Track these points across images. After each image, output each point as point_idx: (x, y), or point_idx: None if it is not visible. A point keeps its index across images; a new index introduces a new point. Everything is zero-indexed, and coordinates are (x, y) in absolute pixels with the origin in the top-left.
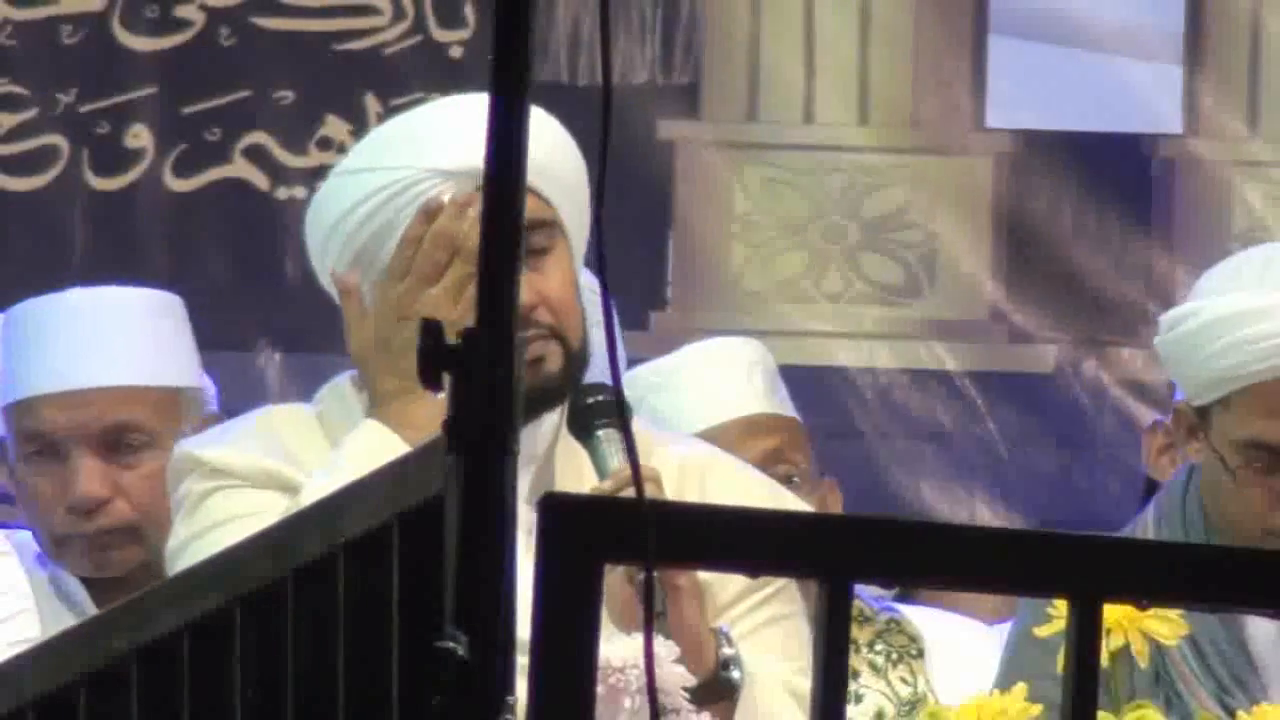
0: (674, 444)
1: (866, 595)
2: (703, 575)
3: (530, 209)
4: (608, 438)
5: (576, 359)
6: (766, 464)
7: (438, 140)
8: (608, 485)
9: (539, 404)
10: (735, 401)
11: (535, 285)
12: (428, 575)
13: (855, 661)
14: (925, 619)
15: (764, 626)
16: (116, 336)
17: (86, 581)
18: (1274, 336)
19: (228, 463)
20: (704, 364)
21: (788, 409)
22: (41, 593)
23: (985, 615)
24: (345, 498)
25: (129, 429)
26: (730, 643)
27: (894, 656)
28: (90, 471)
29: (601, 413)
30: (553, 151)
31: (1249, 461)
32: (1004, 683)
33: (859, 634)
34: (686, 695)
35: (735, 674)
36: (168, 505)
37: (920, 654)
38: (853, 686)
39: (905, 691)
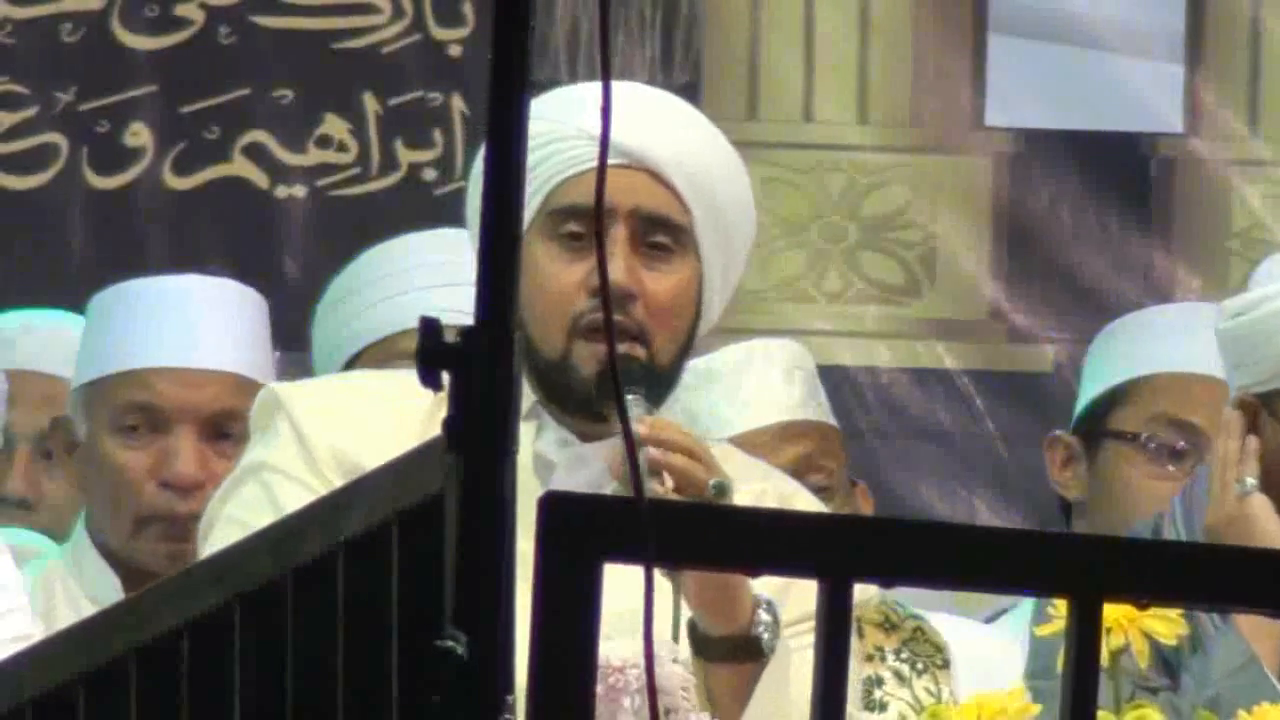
0: (755, 466)
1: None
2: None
3: (660, 203)
4: (635, 403)
5: (659, 376)
6: (800, 470)
7: (597, 108)
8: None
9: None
10: (773, 407)
11: (642, 280)
12: (428, 575)
13: (880, 669)
14: (949, 627)
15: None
16: (234, 324)
17: (123, 579)
18: None
19: (306, 422)
20: (743, 366)
21: (825, 415)
22: (67, 584)
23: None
24: (345, 497)
25: (235, 417)
26: (772, 612)
27: (919, 666)
28: (194, 451)
29: (628, 380)
30: (710, 164)
31: None
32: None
33: (885, 641)
34: (686, 695)
35: (766, 636)
36: None
37: (946, 664)
38: (876, 694)
39: (929, 703)
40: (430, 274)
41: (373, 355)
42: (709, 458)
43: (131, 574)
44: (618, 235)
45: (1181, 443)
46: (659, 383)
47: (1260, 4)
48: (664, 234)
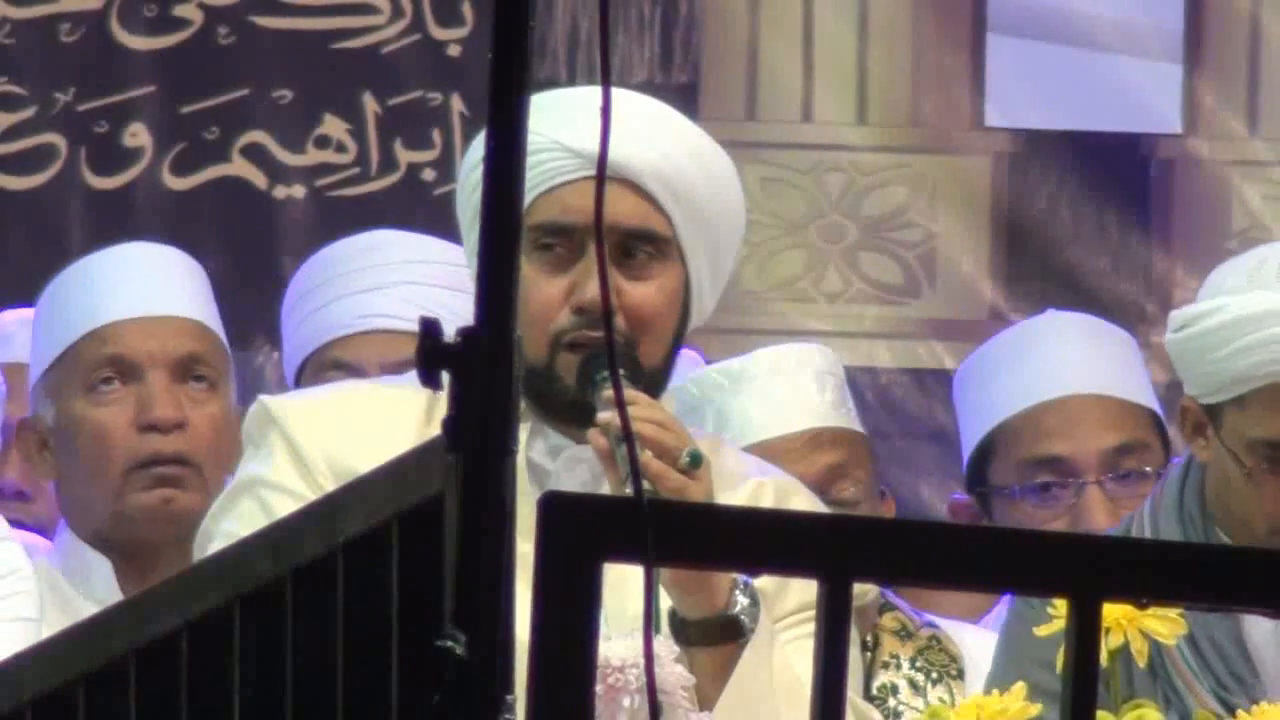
0: (750, 460)
1: (907, 606)
2: (758, 586)
3: (639, 215)
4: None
5: (646, 375)
6: (830, 479)
7: (574, 119)
8: (605, 416)
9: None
10: (804, 413)
11: (623, 292)
12: (427, 575)
13: (895, 677)
14: (965, 637)
15: (811, 638)
16: (185, 278)
17: (115, 563)
18: None
19: (299, 434)
20: (775, 370)
21: (854, 422)
22: (58, 586)
23: (963, 614)
24: (345, 497)
25: (201, 360)
26: (749, 593)
27: (934, 676)
28: (169, 393)
29: (604, 365)
30: (690, 170)
31: (1264, 460)
32: (997, 678)
33: (901, 649)
34: (686, 695)
35: (744, 618)
36: (225, 456)
37: (960, 674)
38: (891, 703)
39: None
40: (352, 280)
41: (312, 367)
42: (681, 429)
43: (123, 552)
44: (596, 252)
45: (1051, 478)
46: (647, 382)
47: (1259, 4)
48: (645, 245)
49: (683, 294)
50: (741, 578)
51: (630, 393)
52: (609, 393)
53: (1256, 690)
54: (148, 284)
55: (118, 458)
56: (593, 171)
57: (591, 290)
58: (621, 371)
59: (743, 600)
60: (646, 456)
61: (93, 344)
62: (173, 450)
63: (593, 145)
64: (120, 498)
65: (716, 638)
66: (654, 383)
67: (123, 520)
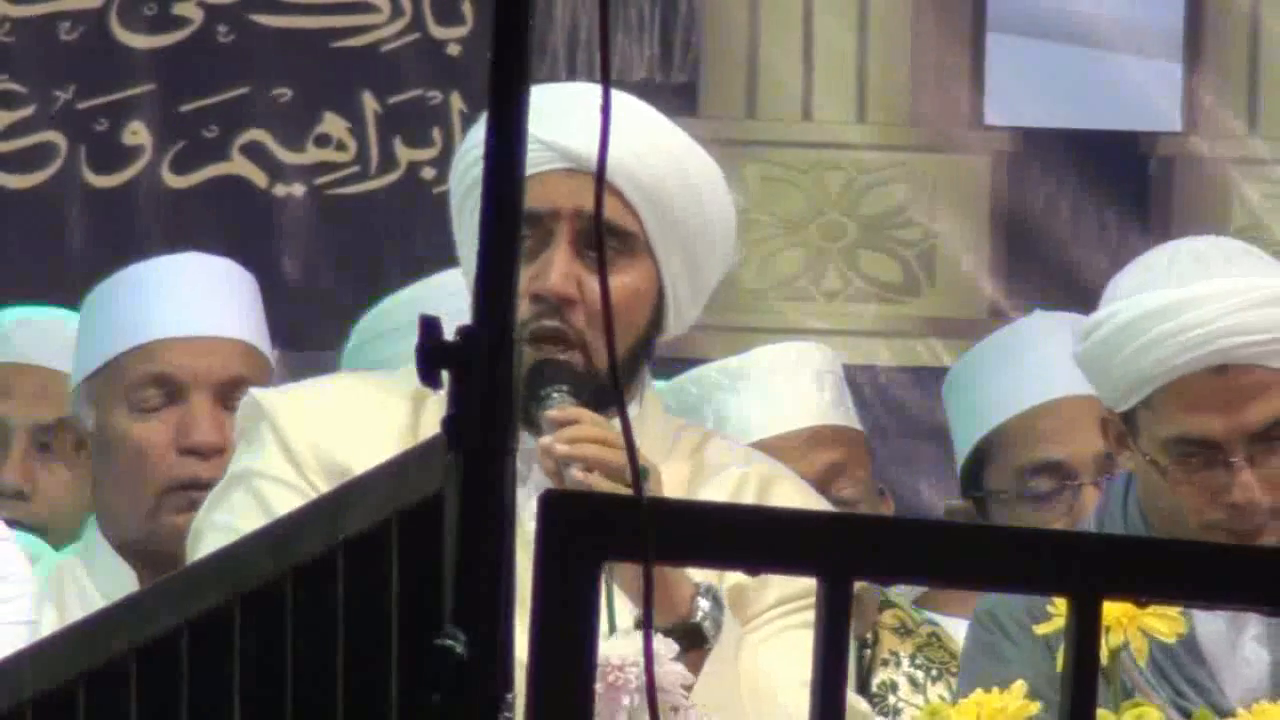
0: (736, 451)
1: (907, 605)
2: (737, 582)
3: (607, 208)
4: (560, 399)
5: (596, 383)
6: (829, 477)
7: (552, 113)
8: (545, 440)
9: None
10: (803, 412)
11: (584, 284)
12: (427, 574)
13: (895, 674)
14: (962, 634)
15: (791, 630)
16: (234, 296)
17: (140, 572)
18: (1186, 330)
19: (289, 426)
20: (774, 369)
21: (853, 421)
22: (82, 584)
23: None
24: (345, 496)
25: (245, 383)
26: (712, 597)
27: (934, 673)
28: (211, 417)
29: (553, 378)
30: (665, 173)
31: (1178, 458)
32: (965, 663)
33: (900, 646)
34: (686, 693)
35: (707, 625)
36: None
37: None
38: (890, 700)
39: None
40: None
41: None
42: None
43: (149, 563)
44: (560, 239)
45: (1050, 483)
46: (599, 385)
47: (1259, 3)
48: (611, 238)
49: (654, 296)
50: (704, 583)
51: (573, 410)
52: (552, 412)
53: (1215, 696)
54: (198, 301)
55: (155, 477)
56: (565, 165)
57: (552, 279)
58: (565, 388)
59: (705, 605)
60: (595, 477)
61: (138, 359)
62: (211, 476)
63: (566, 140)
64: (155, 517)
65: (680, 646)
66: (607, 385)
67: (155, 537)
